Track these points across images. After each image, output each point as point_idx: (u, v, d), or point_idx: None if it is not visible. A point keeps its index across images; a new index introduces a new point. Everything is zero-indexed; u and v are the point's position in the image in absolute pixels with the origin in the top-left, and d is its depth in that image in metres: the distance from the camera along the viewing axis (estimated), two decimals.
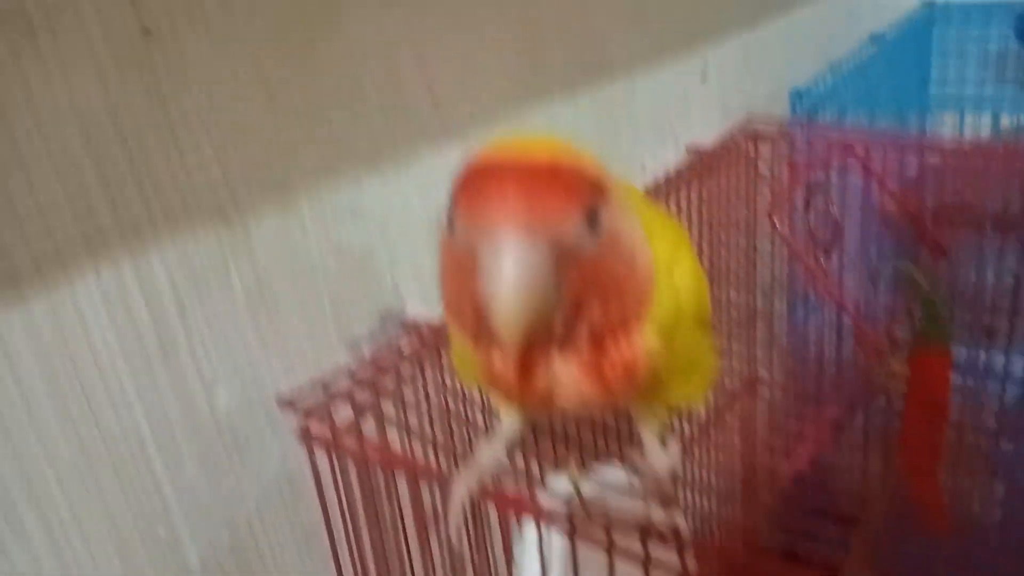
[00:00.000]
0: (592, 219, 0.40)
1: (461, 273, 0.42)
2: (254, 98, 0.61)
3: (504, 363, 0.45)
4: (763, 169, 1.24)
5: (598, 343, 0.44)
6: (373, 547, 0.71)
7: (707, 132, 1.18)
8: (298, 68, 0.64)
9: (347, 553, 0.70)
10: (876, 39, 1.68)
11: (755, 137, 1.22)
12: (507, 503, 0.57)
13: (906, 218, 0.88)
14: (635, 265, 0.44)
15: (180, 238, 0.59)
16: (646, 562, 0.49)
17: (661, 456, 0.58)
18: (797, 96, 1.27)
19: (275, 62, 0.62)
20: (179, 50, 0.57)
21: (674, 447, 0.59)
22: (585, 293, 0.42)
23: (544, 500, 0.57)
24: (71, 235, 0.53)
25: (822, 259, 0.88)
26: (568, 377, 0.45)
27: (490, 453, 0.58)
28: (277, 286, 0.65)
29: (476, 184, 0.40)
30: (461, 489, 0.57)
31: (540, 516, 0.54)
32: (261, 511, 0.67)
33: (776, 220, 0.80)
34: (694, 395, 0.56)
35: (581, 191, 0.40)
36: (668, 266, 0.48)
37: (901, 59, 1.81)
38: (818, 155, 0.95)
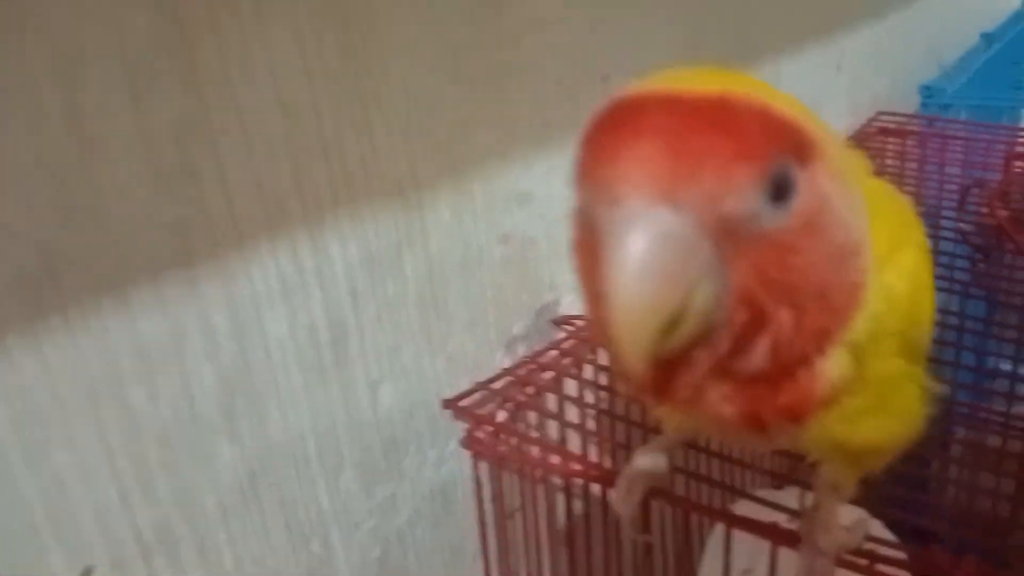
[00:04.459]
0: (780, 184, 0.28)
1: (587, 255, 0.30)
2: (442, 68, 0.55)
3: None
4: (891, 163, 1.17)
5: (773, 367, 0.31)
6: (527, 559, 0.65)
7: (836, 124, 1.11)
8: (484, 35, 0.57)
9: (496, 567, 0.64)
10: (987, 38, 1.60)
11: (885, 132, 1.15)
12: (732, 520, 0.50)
13: None
14: (846, 257, 0.32)
15: (360, 220, 0.52)
16: None
17: (833, 534, 0.44)
18: (927, 91, 1.19)
19: (464, 27, 0.55)
20: (374, 8, 0.50)
21: (860, 528, 0.46)
22: (765, 293, 0.29)
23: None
24: (253, 214, 0.47)
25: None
26: (719, 403, 0.33)
27: (646, 462, 0.51)
28: (446, 276, 0.59)
29: (606, 129, 0.28)
30: (626, 496, 0.50)
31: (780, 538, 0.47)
32: (412, 522, 0.61)
33: (997, 210, 0.72)
34: (887, 445, 0.41)
35: (763, 141, 0.28)
36: (883, 260, 0.35)
37: (1007, 59, 1.73)
38: (1013, 153, 0.88)
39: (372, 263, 0.53)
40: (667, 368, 0.30)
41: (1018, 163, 0.84)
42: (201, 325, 0.46)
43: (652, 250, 0.26)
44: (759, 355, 0.31)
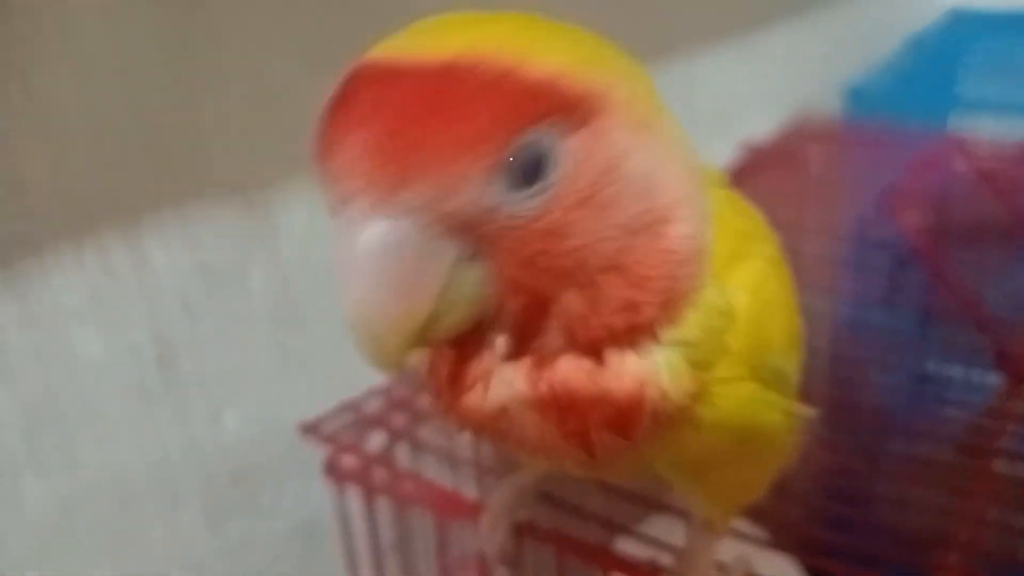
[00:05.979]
0: (529, 164, 0.24)
1: None
2: (296, 54, 0.49)
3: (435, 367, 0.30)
4: (815, 168, 1.13)
5: (581, 347, 0.28)
6: None
7: (758, 128, 1.07)
8: (342, 19, 0.51)
9: None
10: (918, 37, 1.59)
11: (809, 136, 1.11)
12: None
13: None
14: (652, 224, 0.27)
15: (190, 224, 0.46)
16: None
17: (703, 574, 0.40)
18: (854, 94, 1.16)
19: (323, 11, 0.50)
20: None
21: (740, 566, 0.42)
22: (536, 280, 0.26)
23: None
24: (50, 214, 0.41)
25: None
26: (523, 410, 0.29)
27: (506, 496, 0.46)
28: (304, 286, 0.53)
29: (332, 110, 0.25)
30: (489, 532, 0.45)
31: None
32: (273, 563, 0.55)
33: (904, 221, 0.68)
34: (750, 477, 0.37)
35: (498, 118, 0.23)
36: (720, 272, 0.30)
37: (932, 64, 1.71)
38: (928, 155, 0.84)
39: (208, 273, 0.47)
40: (457, 362, 0.29)
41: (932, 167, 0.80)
42: None
43: (379, 261, 0.24)
44: (553, 336, 0.28)
